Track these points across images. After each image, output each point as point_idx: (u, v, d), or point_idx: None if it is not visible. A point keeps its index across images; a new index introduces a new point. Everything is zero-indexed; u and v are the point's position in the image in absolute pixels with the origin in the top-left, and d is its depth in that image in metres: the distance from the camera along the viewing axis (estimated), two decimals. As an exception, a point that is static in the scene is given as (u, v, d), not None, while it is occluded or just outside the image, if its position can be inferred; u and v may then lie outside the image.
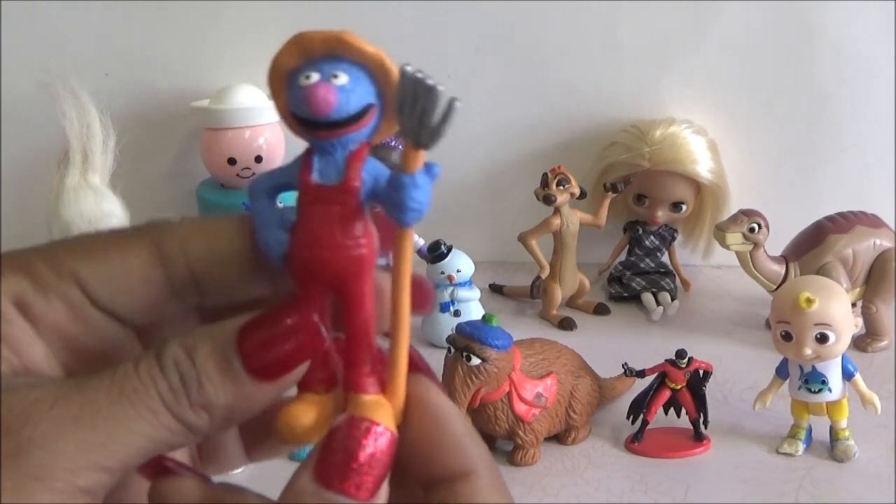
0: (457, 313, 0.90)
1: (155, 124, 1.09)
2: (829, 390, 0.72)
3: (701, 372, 0.75)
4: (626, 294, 1.03)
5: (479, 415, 0.71)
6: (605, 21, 1.04)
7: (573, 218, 0.97)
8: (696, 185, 1.02)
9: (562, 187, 0.94)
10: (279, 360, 0.24)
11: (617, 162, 1.03)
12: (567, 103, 1.06)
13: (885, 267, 0.91)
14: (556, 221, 0.96)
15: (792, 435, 0.74)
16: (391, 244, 0.26)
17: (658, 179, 1.01)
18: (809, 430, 0.75)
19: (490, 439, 0.73)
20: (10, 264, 0.25)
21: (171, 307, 0.26)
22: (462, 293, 0.90)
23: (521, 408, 0.71)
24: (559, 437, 0.75)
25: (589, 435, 0.77)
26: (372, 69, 0.25)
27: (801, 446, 0.74)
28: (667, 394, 0.75)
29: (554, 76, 1.06)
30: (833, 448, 0.73)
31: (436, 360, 0.64)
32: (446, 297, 0.90)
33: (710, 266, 1.09)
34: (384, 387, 0.26)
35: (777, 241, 0.93)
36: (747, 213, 0.91)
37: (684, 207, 1.03)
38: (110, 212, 0.87)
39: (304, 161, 0.26)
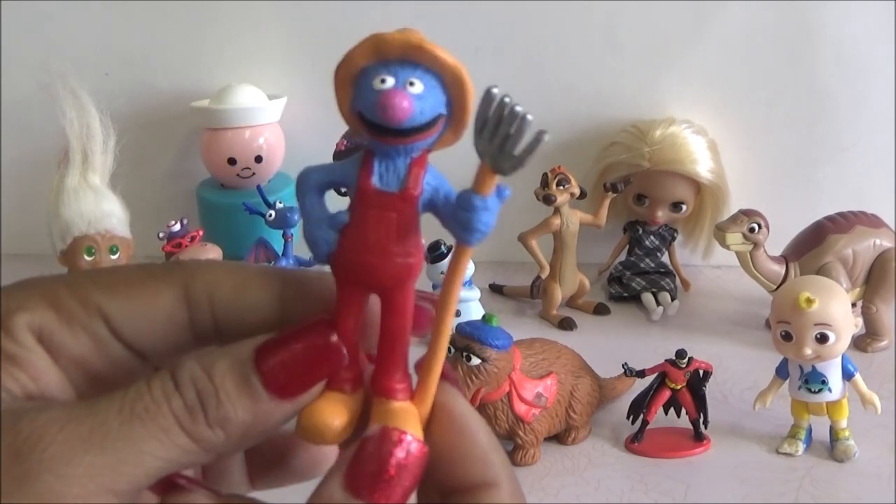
0: (457, 313, 0.90)
1: (155, 124, 1.09)
2: (829, 390, 0.72)
3: (701, 372, 0.75)
4: (626, 294, 1.03)
5: (479, 415, 0.70)
6: (605, 21, 1.04)
7: (573, 218, 0.97)
8: (696, 185, 1.02)
9: (562, 187, 0.94)
10: (298, 378, 0.24)
11: (617, 162, 1.03)
12: (567, 103, 1.06)
13: (885, 267, 0.91)
14: (556, 221, 0.96)
15: (792, 435, 0.74)
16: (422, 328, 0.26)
17: (658, 179, 1.01)
18: (809, 430, 0.75)
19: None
20: (37, 294, 0.25)
21: (192, 347, 0.26)
22: (462, 293, 0.90)
23: (521, 408, 0.71)
24: (559, 437, 0.75)
25: (589, 435, 0.77)
26: (445, 79, 0.25)
27: (801, 446, 0.74)
28: (667, 394, 0.75)
29: (554, 76, 1.06)
30: (833, 448, 0.73)
31: (436, 360, 0.64)
32: (446, 297, 0.90)
33: (710, 266, 1.09)
34: (412, 394, 0.26)
35: (777, 241, 0.93)
36: (747, 213, 0.91)
37: (684, 207, 1.03)
38: (110, 212, 0.88)
39: (363, 163, 0.25)
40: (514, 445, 0.72)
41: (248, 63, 1.08)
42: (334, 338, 0.25)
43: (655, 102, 1.06)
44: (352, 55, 0.25)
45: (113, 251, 0.87)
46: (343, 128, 0.94)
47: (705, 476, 0.72)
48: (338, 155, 0.91)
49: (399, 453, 0.24)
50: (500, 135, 0.24)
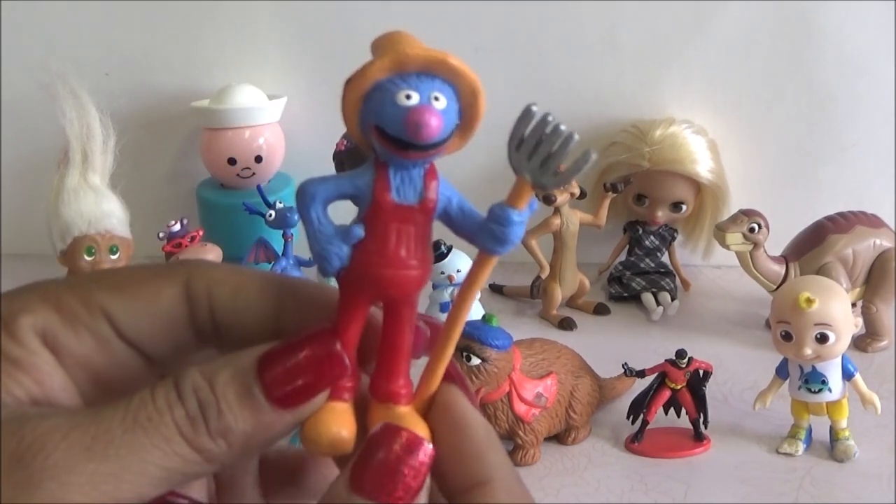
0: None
1: (155, 124, 1.09)
2: (829, 390, 0.72)
3: (701, 372, 0.75)
4: (626, 294, 1.03)
5: (479, 415, 0.71)
6: (605, 21, 1.04)
7: (573, 218, 0.97)
8: (696, 185, 1.02)
9: (562, 187, 0.94)
10: (300, 388, 0.24)
11: (617, 162, 1.03)
12: (567, 103, 1.06)
13: (885, 267, 0.91)
14: (556, 221, 0.96)
15: (792, 435, 0.74)
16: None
17: (658, 179, 1.01)
18: (809, 430, 0.75)
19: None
20: (41, 296, 0.25)
21: (195, 346, 0.26)
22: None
23: (521, 408, 0.71)
24: (559, 437, 0.75)
25: (589, 435, 0.77)
26: (460, 89, 0.25)
27: (801, 446, 0.74)
28: (667, 394, 0.75)
29: (554, 76, 1.06)
30: (833, 448, 0.73)
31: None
32: (446, 297, 0.90)
33: (710, 266, 1.09)
34: (413, 397, 0.26)
35: (777, 241, 0.93)
36: (747, 213, 0.91)
37: (684, 207, 1.03)
38: (110, 212, 0.88)
39: (378, 176, 0.25)
40: (514, 445, 0.72)
41: (248, 63, 1.08)
42: (338, 347, 0.24)
43: (655, 102, 1.06)
44: (369, 69, 0.24)
45: (113, 251, 0.87)
46: (343, 128, 0.94)
47: (705, 476, 0.72)
48: (338, 155, 0.91)
49: (404, 451, 0.24)
50: (541, 152, 0.24)
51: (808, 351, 0.70)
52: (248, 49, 1.08)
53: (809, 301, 0.69)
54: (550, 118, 0.24)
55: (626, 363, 0.77)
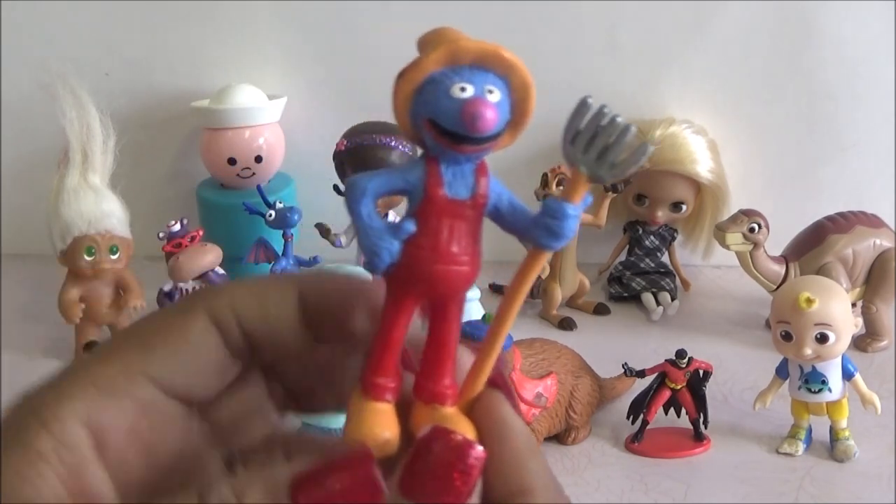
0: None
1: (155, 124, 1.09)
2: (829, 390, 0.72)
3: (701, 372, 0.75)
4: (626, 294, 1.03)
5: (479, 415, 0.70)
6: (605, 21, 1.04)
7: (573, 218, 0.97)
8: (696, 185, 1.02)
9: (562, 187, 0.94)
10: None
11: (617, 162, 1.03)
12: (567, 103, 1.05)
13: (885, 267, 0.91)
14: (556, 221, 0.96)
15: (792, 435, 0.74)
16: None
17: (658, 179, 1.01)
18: (809, 430, 0.75)
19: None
20: (80, 379, 0.24)
21: (232, 372, 0.26)
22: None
23: (520, 408, 0.71)
24: (559, 437, 0.75)
25: (589, 435, 0.77)
26: (512, 84, 0.25)
27: (801, 446, 0.74)
28: (667, 394, 0.75)
29: (554, 76, 1.06)
30: (833, 448, 0.73)
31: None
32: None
33: (710, 266, 1.09)
34: (456, 399, 0.25)
35: (777, 241, 0.93)
36: (747, 213, 0.91)
37: (684, 207, 1.03)
38: (110, 212, 0.88)
39: (429, 171, 0.25)
40: (514, 445, 0.72)
41: (248, 63, 1.08)
42: (376, 473, 0.23)
43: (655, 102, 1.06)
44: (423, 62, 0.24)
45: (113, 251, 0.87)
46: (343, 128, 0.94)
47: (705, 476, 0.72)
48: (338, 155, 0.91)
49: (455, 454, 0.23)
50: (597, 145, 0.24)
51: (808, 351, 0.70)
52: (248, 49, 1.08)
53: (809, 301, 0.69)
54: (607, 110, 0.23)
55: (626, 363, 0.77)
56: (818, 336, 0.70)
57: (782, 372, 0.75)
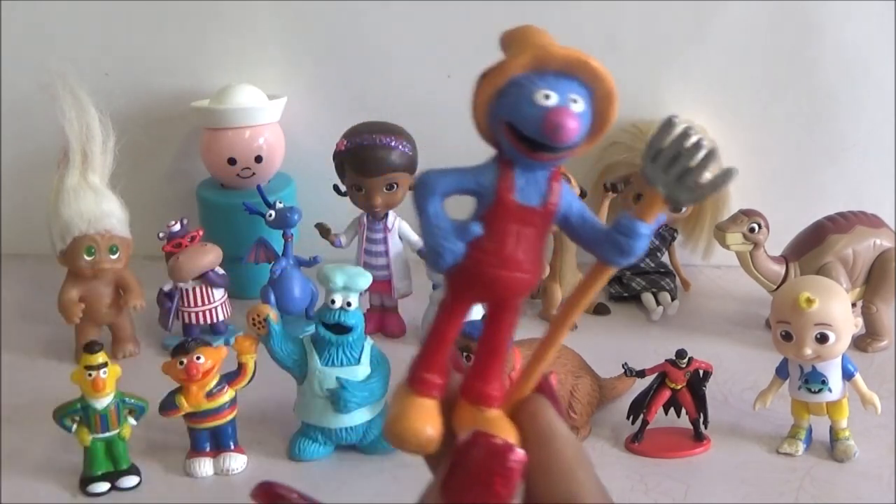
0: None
1: (155, 124, 1.09)
2: (829, 390, 0.72)
3: (701, 372, 0.75)
4: (626, 294, 1.03)
5: (479, 415, 0.70)
6: (605, 21, 1.04)
7: (573, 218, 0.97)
8: (696, 185, 1.02)
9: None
10: None
11: (617, 162, 1.03)
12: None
13: (885, 267, 0.91)
14: (556, 221, 0.96)
15: (792, 435, 0.74)
16: None
17: (658, 179, 1.01)
18: (809, 430, 0.75)
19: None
20: None
21: None
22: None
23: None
24: (559, 437, 0.75)
25: (589, 435, 0.77)
26: (596, 94, 0.24)
27: (801, 446, 0.74)
28: (667, 394, 0.75)
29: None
30: (833, 448, 0.73)
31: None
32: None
33: (710, 266, 1.09)
34: (502, 402, 0.25)
35: (777, 241, 0.93)
36: (747, 213, 0.91)
37: (684, 207, 1.03)
38: (110, 211, 0.88)
39: (502, 175, 0.24)
40: (514, 445, 0.72)
41: (248, 63, 1.08)
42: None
43: (655, 102, 1.06)
44: (508, 64, 0.24)
45: (113, 251, 0.87)
46: (343, 128, 0.94)
47: (705, 476, 0.72)
48: (338, 155, 0.91)
49: (495, 458, 0.23)
50: (679, 166, 0.23)
51: (808, 351, 0.70)
52: (248, 49, 1.08)
53: (809, 301, 0.69)
54: (692, 131, 0.23)
55: (626, 363, 0.77)
56: (818, 336, 0.70)
57: (782, 372, 0.75)
